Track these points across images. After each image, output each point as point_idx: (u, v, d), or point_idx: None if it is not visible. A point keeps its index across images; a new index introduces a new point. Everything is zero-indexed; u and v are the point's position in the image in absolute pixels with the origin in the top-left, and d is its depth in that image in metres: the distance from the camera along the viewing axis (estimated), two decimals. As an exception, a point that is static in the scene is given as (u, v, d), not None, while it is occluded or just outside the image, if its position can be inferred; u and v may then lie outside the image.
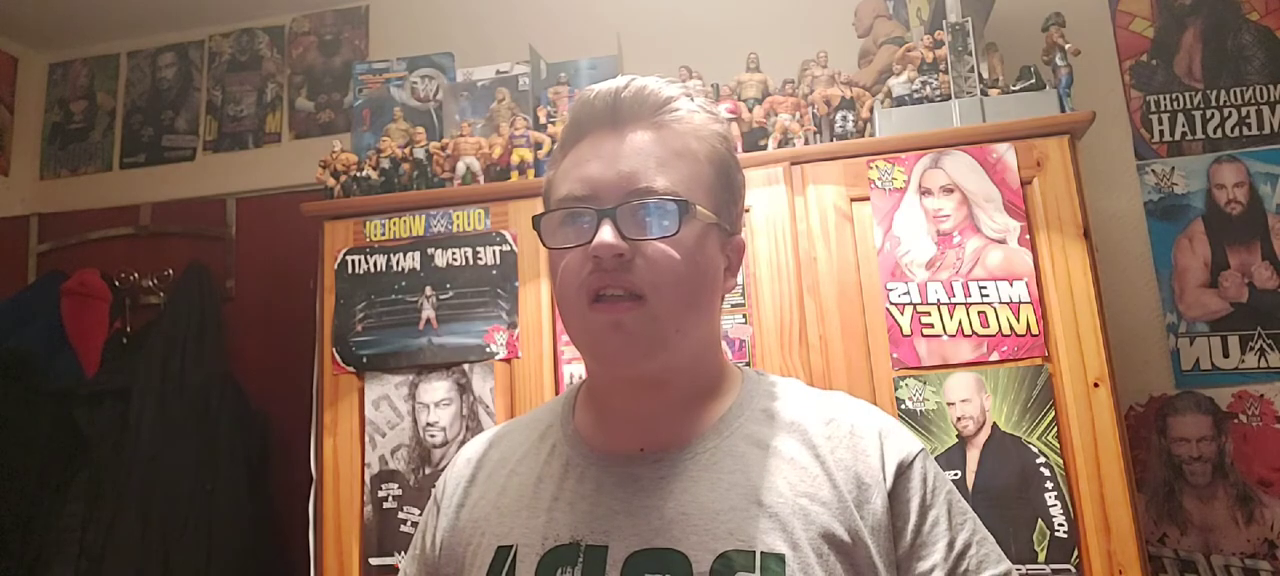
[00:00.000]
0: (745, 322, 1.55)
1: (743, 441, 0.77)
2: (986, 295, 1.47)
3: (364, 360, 1.66)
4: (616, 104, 0.78)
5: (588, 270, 0.74)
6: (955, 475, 1.42)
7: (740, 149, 1.66)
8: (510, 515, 0.78)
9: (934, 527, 0.75)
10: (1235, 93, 1.92)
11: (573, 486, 0.77)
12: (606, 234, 0.72)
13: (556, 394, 1.60)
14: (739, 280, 1.56)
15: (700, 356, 0.81)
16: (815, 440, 0.77)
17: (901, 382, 1.47)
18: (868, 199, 1.56)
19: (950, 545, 0.75)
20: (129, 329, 2.15)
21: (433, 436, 1.62)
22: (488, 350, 1.63)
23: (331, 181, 1.80)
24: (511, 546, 0.75)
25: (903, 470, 0.76)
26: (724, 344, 0.89)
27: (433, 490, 0.90)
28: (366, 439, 1.64)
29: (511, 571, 0.74)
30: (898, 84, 1.63)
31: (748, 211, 1.59)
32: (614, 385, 0.81)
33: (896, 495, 0.75)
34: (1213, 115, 1.92)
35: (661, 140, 0.77)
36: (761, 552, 0.69)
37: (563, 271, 0.76)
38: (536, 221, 0.79)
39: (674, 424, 0.79)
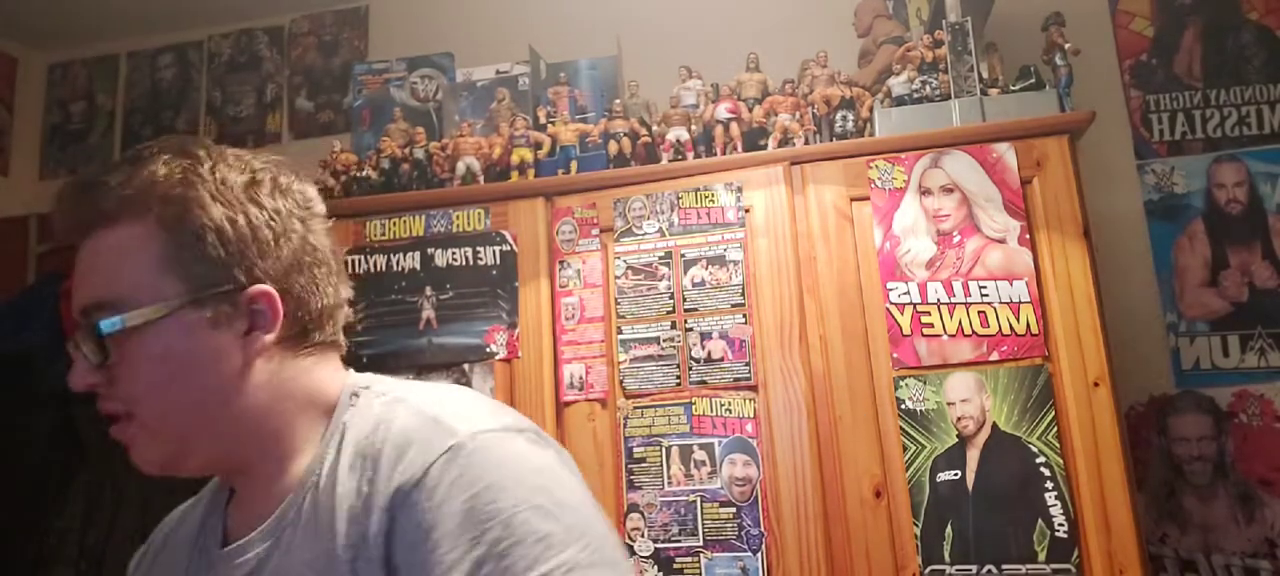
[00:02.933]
0: (745, 322, 1.55)
1: (308, 509, 0.68)
2: (986, 295, 1.47)
3: (364, 360, 1.66)
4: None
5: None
6: (955, 475, 1.42)
7: (740, 149, 1.66)
8: None
9: (434, 552, 0.60)
10: (1235, 92, 1.92)
11: None
12: (78, 366, 0.67)
13: (556, 393, 1.60)
14: (735, 281, 1.57)
15: (249, 436, 0.71)
16: (342, 498, 0.66)
17: (901, 382, 1.47)
18: (868, 199, 1.56)
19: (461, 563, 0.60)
20: (129, 329, 2.15)
21: (433, 436, 1.62)
22: (488, 350, 1.63)
23: (332, 181, 1.80)
24: None
25: (403, 497, 0.62)
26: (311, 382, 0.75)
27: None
28: (366, 439, 1.64)
29: None
30: (897, 84, 1.63)
31: (748, 212, 1.60)
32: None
33: (393, 531, 0.63)
34: (1213, 115, 1.92)
35: (103, 236, 0.68)
36: None
37: None
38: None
39: (267, 494, 0.71)
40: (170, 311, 0.66)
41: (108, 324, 0.65)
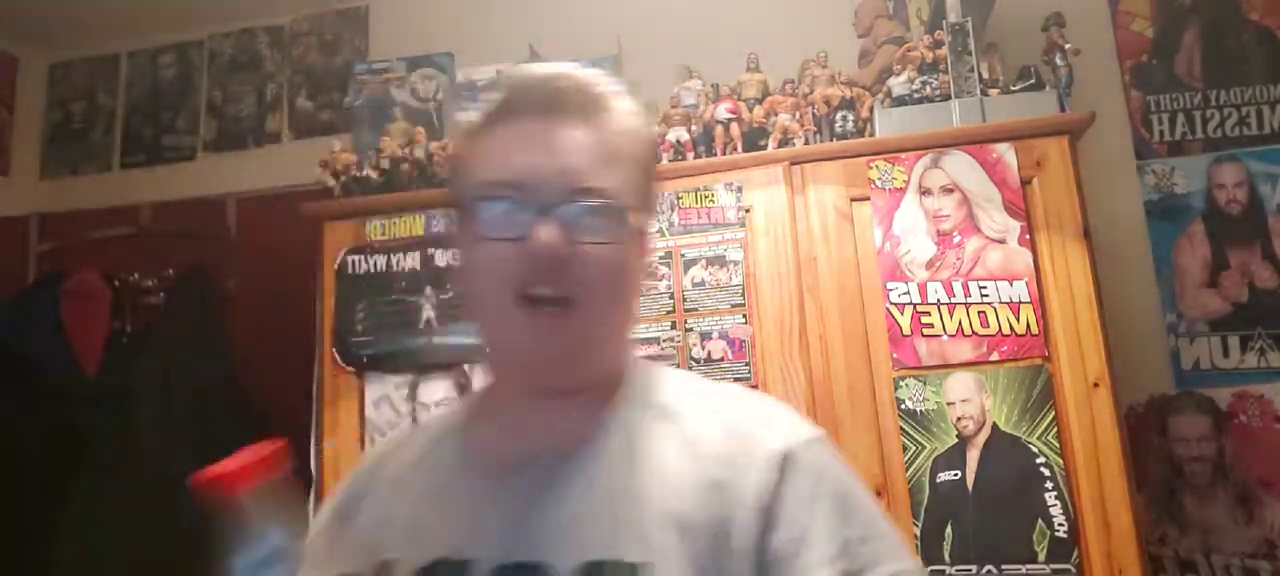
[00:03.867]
0: (745, 322, 1.55)
1: (622, 444, 0.73)
2: (986, 295, 1.47)
3: (364, 360, 1.66)
4: (555, 93, 0.73)
5: (520, 268, 0.68)
6: (955, 475, 1.42)
7: (740, 149, 1.66)
8: (392, 530, 0.76)
9: (815, 522, 0.67)
10: (1235, 93, 1.91)
11: (455, 497, 0.75)
12: (550, 232, 0.67)
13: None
14: (735, 281, 1.57)
15: (611, 363, 0.77)
16: (693, 439, 0.72)
17: (901, 382, 1.47)
18: (868, 199, 1.56)
19: (833, 540, 0.67)
20: (129, 329, 2.15)
21: (433, 436, 1.62)
22: (488, 350, 1.63)
23: (331, 181, 1.80)
24: (393, 560, 0.73)
25: (786, 462, 0.69)
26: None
27: (327, 500, 0.87)
28: (367, 439, 1.64)
29: None
30: (898, 84, 1.63)
31: (748, 212, 1.60)
32: (515, 394, 0.77)
33: (776, 491, 0.68)
34: (1213, 115, 1.92)
35: (600, 139, 0.72)
36: (628, 562, 0.66)
37: (483, 261, 0.71)
38: (457, 200, 0.74)
39: (564, 430, 0.74)
40: (641, 228, 0.76)
41: (622, 214, 0.71)
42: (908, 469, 1.44)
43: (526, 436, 0.75)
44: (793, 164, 1.60)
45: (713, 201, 1.61)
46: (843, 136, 1.63)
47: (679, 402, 0.76)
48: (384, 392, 1.65)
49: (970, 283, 1.48)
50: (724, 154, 1.66)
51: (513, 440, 0.75)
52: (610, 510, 0.69)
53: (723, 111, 1.69)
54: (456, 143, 0.78)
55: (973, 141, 1.54)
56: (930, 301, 1.49)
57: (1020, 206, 1.49)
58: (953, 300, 1.49)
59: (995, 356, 1.45)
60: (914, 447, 1.45)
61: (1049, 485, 1.39)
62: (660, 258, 1.60)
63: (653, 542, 0.66)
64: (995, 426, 1.43)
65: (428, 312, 1.67)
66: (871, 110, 1.64)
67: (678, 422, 0.74)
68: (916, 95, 1.61)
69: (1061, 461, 1.40)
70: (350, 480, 0.86)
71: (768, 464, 0.69)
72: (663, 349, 1.57)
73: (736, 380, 1.52)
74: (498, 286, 0.69)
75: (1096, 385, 1.41)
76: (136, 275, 2.20)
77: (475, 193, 0.71)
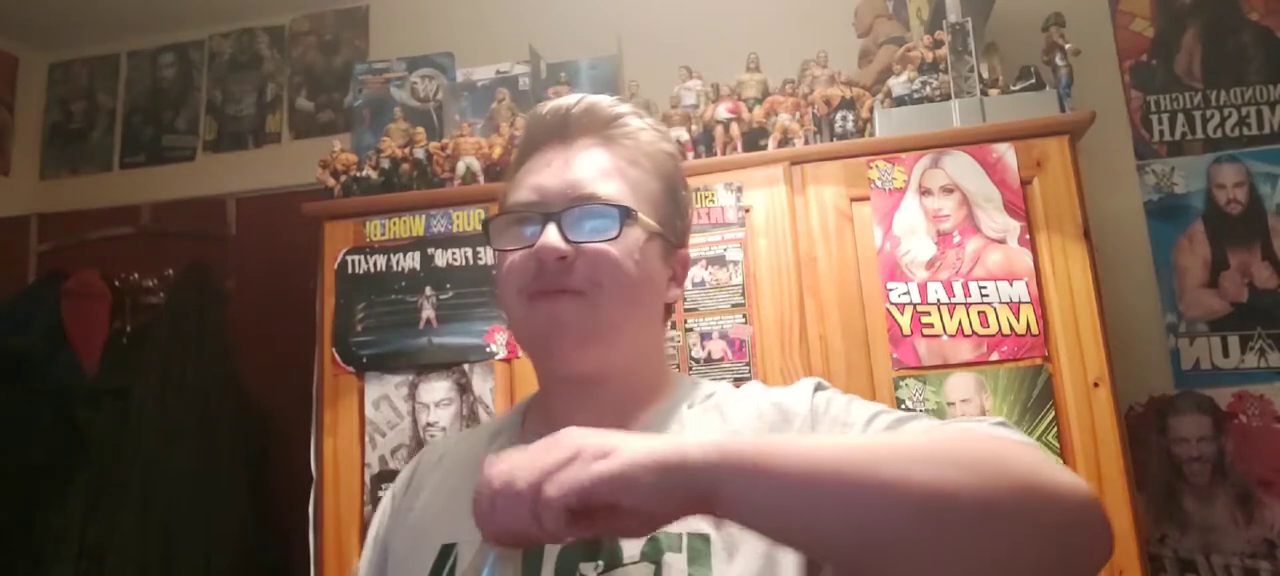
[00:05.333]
0: (745, 322, 1.55)
1: (676, 428, 0.79)
2: (986, 295, 1.47)
3: (364, 360, 1.66)
4: (567, 120, 0.82)
5: (530, 272, 0.76)
6: (955, 475, 1.42)
7: (740, 149, 1.66)
8: (455, 515, 0.79)
9: (849, 409, 0.75)
10: (1235, 93, 1.91)
11: None
12: (550, 235, 0.75)
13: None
14: (735, 281, 1.57)
15: (639, 361, 0.83)
16: (736, 415, 0.79)
17: (901, 382, 1.47)
18: (868, 199, 1.56)
19: (868, 416, 0.74)
20: (129, 329, 2.15)
21: (433, 436, 1.62)
22: (488, 350, 1.63)
23: (331, 181, 1.80)
24: (454, 543, 0.77)
25: (815, 393, 0.77)
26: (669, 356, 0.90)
27: (385, 491, 0.91)
28: (366, 439, 1.64)
29: (453, 568, 0.76)
30: (898, 84, 1.63)
31: (748, 212, 1.60)
32: (556, 387, 0.83)
33: (814, 414, 0.76)
34: (1213, 115, 1.92)
35: (610, 154, 0.81)
36: (687, 533, 0.70)
37: (506, 272, 0.79)
38: (486, 225, 0.82)
39: (615, 422, 0.78)
40: (659, 232, 0.81)
41: (622, 212, 0.77)
42: (908, 469, 1.44)
43: (578, 424, 0.79)
44: (793, 164, 1.60)
45: (713, 201, 1.61)
46: (843, 136, 1.63)
47: (722, 393, 0.83)
48: (384, 392, 1.65)
49: (970, 283, 1.48)
50: (724, 154, 1.66)
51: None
52: None
53: (723, 111, 1.69)
54: (503, 188, 0.86)
55: (973, 141, 1.54)
56: (930, 301, 1.49)
57: (1020, 206, 1.49)
58: (953, 300, 1.49)
59: (995, 356, 1.45)
60: (914, 447, 1.45)
61: (1049, 485, 1.39)
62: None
63: None
64: (995, 426, 1.43)
65: (427, 312, 1.67)
66: (871, 110, 1.64)
67: (722, 406, 0.80)
68: (916, 95, 1.61)
69: (1061, 461, 1.40)
70: (411, 468, 0.91)
71: (806, 405, 0.76)
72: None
73: (736, 380, 1.52)
74: (516, 291, 0.78)
75: (1096, 385, 1.41)
76: (136, 275, 2.20)
77: (501, 219, 0.81)
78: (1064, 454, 1.40)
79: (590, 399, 0.80)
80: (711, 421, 0.79)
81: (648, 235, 0.79)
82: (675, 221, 0.84)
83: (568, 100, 0.83)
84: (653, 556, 0.70)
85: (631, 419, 0.80)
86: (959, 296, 1.49)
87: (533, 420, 0.86)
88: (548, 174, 0.79)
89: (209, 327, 2.07)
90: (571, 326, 0.76)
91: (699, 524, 0.70)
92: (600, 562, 0.71)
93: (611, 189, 0.78)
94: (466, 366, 1.64)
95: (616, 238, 0.76)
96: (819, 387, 0.78)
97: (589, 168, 0.79)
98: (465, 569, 0.73)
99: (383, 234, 1.72)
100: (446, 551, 0.77)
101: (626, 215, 0.77)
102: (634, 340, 0.80)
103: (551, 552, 0.72)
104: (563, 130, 0.82)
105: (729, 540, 0.70)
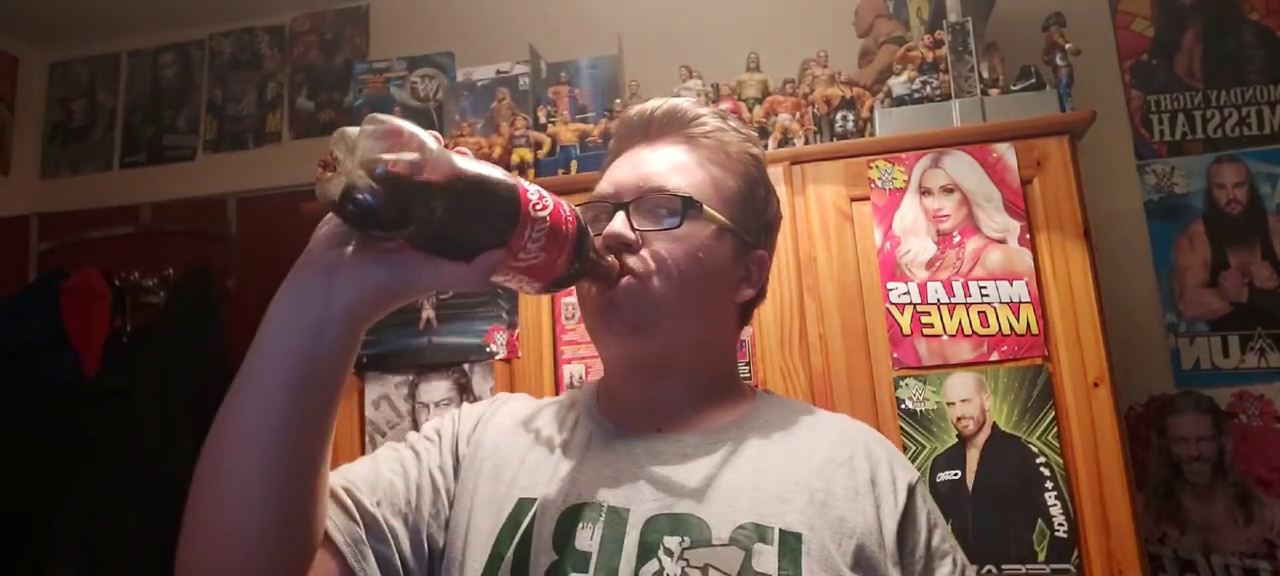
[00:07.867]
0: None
1: (760, 435, 0.81)
2: (986, 295, 1.47)
3: (364, 360, 1.66)
4: (650, 121, 0.86)
5: None
6: (955, 475, 1.42)
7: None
8: (533, 470, 0.81)
9: (941, 545, 0.80)
10: (1235, 93, 1.92)
11: (596, 453, 0.81)
12: (617, 222, 0.79)
13: (556, 393, 1.60)
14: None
15: (703, 353, 0.85)
16: (830, 443, 0.81)
17: (901, 382, 1.47)
18: (868, 199, 1.56)
19: (953, 564, 0.80)
20: (129, 328, 2.15)
21: (433, 436, 1.62)
22: (488, 350, 1.64)
23: (332, 181, 1.80)
24: (534, 499, 0.78)
25: (912, 493, 0.80)
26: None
27: (452, 413, 0.89)
28: (366, 439, 1.64)
29: (532, 523, 0.76)
30: (898, 84, 1.63)
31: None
32: (620, 371, 0.85)
33: (907, 514, 0.78)
34: (1213, 115, 1.92)
35: (688, 151, 0.84)
36: (780, 529, 0.72)
37: None
38: None
39: (688, 413, 0.83)
40: (731, 228, 0.83)
41: (686, 203, 0.80)
42: (907, 468, 1.44)
43: (655, 414, 0.83)
44: (793, 164, 1.60)
45: (713, 201, 1.60)
46: (843, 136, 1.63)
47: (811, 418, 0.86)
48: (384, 392, 1.65)
49: (970, 282, 1.48)
50: (724, 154, 1.66)
51: (643, 416, 0.83)
52: (764, 485, 0.76)
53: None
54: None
55: (973, 141, 1.54)
56: (930, 301, 1.49)
57: (1020, 206, 1.49)
58: (953, 300, 1.49)
59: (995, 356, 1.45)
60: (914, 447, 1.45)
61: (1049, 485, 1.39)
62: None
63: (808, 518, 0.73)
64: (995, 426, 1.43)
65: (427, 312, 1.67)
66: (871, 110, 1.64)
67: (816, 430, 0.83)
68: (916, 95, 1.61)
69: (1061, 461, 1.40)
70: (484, 412, 0.90)
71: (902, 492, 0.79)
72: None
73: (736, 380, 1.52)
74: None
75: (1096, 385, 1.41)
76: (136, 274, 2.21)
77: (582, 210, 0.81)
78: (1064, 454, 1.40)
79: (654, 385, 0.83)
80: (806, 435, 0.82)
81: (716, 228, 0.82)
82: (751, 220, 0.86)
83: (653, 103, 0.87)
84: (744, 543, 0.71)
85: (707, 412, 0.83)
86: (959, 296, 1.49)
87: (604, 400, 0.88)
88: (626, 168, 0.84)
89: (209, 327, 2.08)
90: (622, 308, 0.79)
91: (794, 522, 0.72)
92: (687, 538, 0.72)
93: (680, 181, 0.81)
94: (466, 366, 1.64)
95: (678, 227, 0.79)
96: (913, 491, 0.80)
97: (663, 162, 0.83)
98: None
99: (383, 233, 1.72)
100: (525, 505, 0.77)
101: (690, 206, 0.79)
102: (692, 332, 0.82)
103: (636, 520, 0.74)
104: (646, 130, 0.86)
105: (821, 545, 0.72)
